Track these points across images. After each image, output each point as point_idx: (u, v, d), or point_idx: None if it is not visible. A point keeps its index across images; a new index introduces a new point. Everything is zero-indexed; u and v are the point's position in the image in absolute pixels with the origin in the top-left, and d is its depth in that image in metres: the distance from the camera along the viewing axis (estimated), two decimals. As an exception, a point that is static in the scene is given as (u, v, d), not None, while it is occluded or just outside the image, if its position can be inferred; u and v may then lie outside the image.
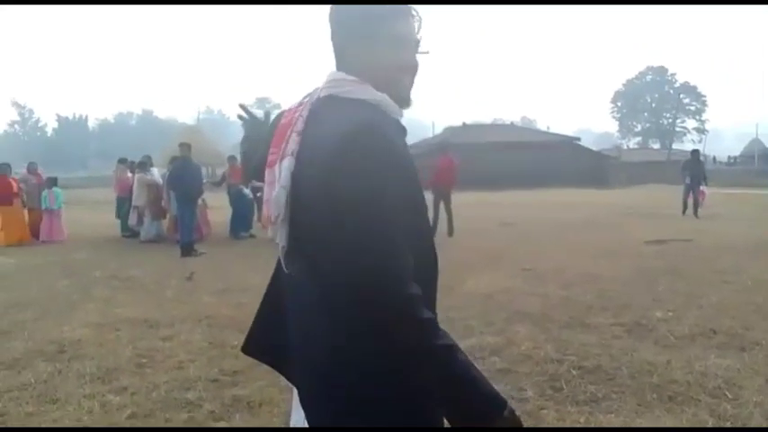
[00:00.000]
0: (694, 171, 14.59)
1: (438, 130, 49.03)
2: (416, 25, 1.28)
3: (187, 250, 9.48)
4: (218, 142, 45.63)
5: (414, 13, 1.28)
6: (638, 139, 79.37)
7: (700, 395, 3.44)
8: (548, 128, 51.63)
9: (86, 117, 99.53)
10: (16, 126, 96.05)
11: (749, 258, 8.07)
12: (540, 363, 4.04)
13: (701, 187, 14.56)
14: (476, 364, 1.15)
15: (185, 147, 10.29)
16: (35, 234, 12.09)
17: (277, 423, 3.15)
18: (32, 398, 3.59)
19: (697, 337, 4.54)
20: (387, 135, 1.15)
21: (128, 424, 3.20)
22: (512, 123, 52.78)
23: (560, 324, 4.96)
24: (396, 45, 1.24)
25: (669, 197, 19.87)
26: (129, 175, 13.04)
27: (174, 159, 11.96)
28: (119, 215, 13.05)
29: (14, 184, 12.04)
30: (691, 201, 14.50)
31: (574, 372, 3.85)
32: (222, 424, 3.19)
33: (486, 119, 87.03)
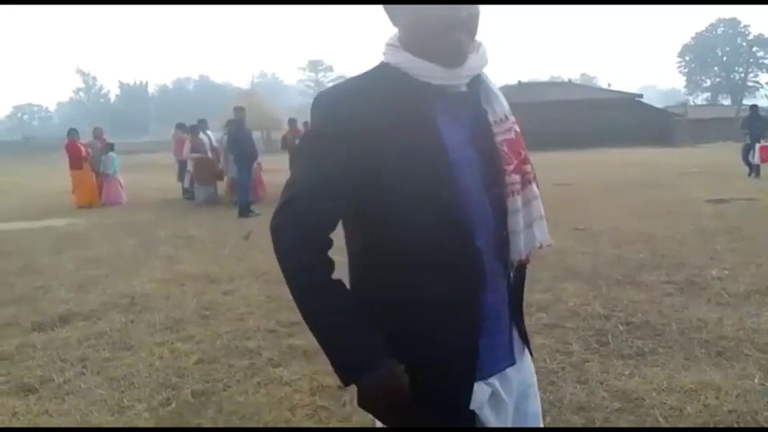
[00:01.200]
0: (754, 128, 13.76)
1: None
2: None
3: (244, 211, 9.84)
4: (273, 106, 46.33)
5: None
6: (707, 95, 75.27)
7: (750, 350, 3.41)
8: (609, 85, 49.43)
9: (146, 83, 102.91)
10: (81, 93, 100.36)
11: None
12: (586, 318, 4.08)
13: (763, 142, 13.66)
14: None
15: (240, 110, 10.59)
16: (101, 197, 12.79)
17: (331, 370, 3.34)
18: (108, 345, 3.93)
19: (752, 294, 4.45)
20: (331, 103, 1.16)
21: (195, 369, 3.47)
22: (570, 81, 50.97)
23: (610, 282, 4.95)
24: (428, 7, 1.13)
25: (736, 155, 18.89)
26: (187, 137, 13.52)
27: (229, 123, 12.32)
28: (180, 178, 13.59)
29: (83, 149, 12.72)
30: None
31: (621, 327, 3.87)
32: (280, 370, 3.42)
33: (543, 76, 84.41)
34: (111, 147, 13.13)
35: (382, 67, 1.20)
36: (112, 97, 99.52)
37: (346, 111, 1.12)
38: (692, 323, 3.88)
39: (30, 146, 48.54)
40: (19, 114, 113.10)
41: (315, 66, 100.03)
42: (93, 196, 12.56)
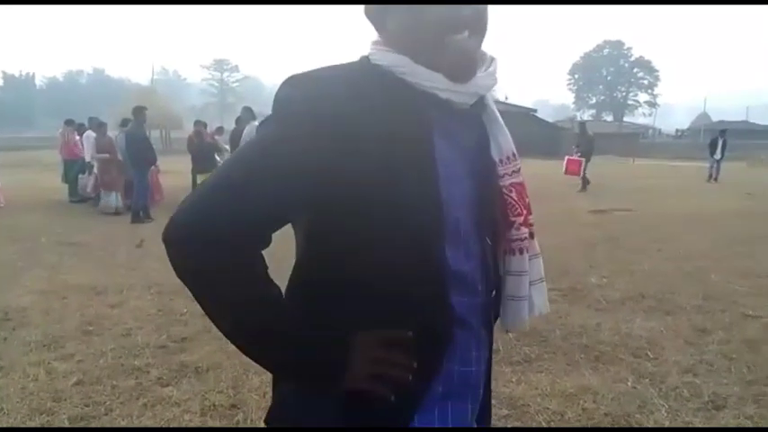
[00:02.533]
0: (581, 145, 15.07)
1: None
2: None
3: (138, 216, 9.35)
4: (174, 104, 44.45)
5: None
6: (593, 111, 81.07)
7: (624, 354, 3.71)
8: (506, 98, 51.99)
9: (33, 75, 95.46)
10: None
11: (684, 228, 8.51)
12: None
13: (575, 156, 14.97)
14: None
15: (140, 111, 9.98)
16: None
17: (223, 387, 3.25)
18: (-25, 365, 3.57)
19: (626, 301, 4.84)
20: (312, 85, 0.90)
21: (74, 391, 3.23)
22: (470, 92, 52.98)
23: (502, 290, 5.18)
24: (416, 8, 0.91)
25: (615, 167, 20.48)
26: (77, 137, 12.64)
27: (125, 122, 11.65)
28: (66, 179, 12.67)
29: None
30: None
31: (510, 335, 4.07)
32: (169, 389, 3.27)
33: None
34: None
35: (369, 66, 0.95)
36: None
37: (328, 100, 0.87)
38: (573, 329, 4.15)
39: None
40: None
41: (220, 65, 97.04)
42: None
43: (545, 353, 3.77)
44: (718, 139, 18.24)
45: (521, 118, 38.38)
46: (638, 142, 45.83)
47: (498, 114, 1.03)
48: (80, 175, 11.93)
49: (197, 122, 12.39)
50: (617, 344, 3.89)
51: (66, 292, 5.15)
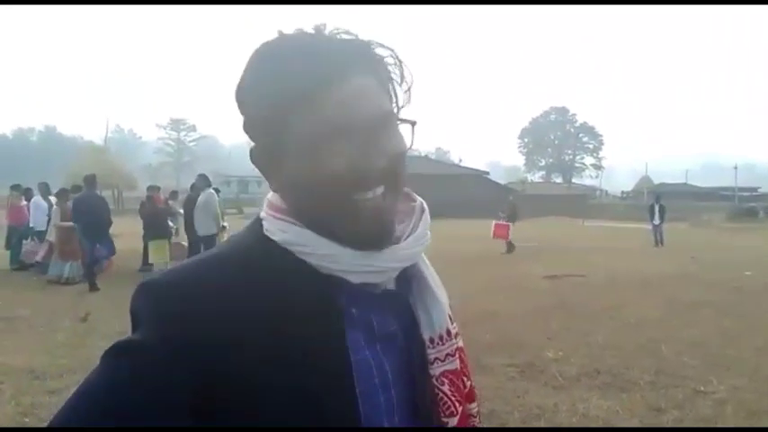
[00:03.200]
0: (506, 209, 16.20)
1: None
2: (366, 87, 0.70)
3: (93, 283, 9.07)
4: (128, 163, 43.80)
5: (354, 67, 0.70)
6: (543, 173, 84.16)
7: (581, 438, 3.70)
8: (460, 160, 53.79)
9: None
10: None
11: (634, 294, 8.74)
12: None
13: (501, 221, 16.04)
14: None
15: (90, 179, 9.75)
16: None
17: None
18: None
19: (582, 377, 4.87)
20: (164, 301, 0.67)
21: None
22: (426, 156, 54.43)
23: (460, 366, 5.15)
24: (310, 149, 0.69)
25: (566, 229, 21.12)
26: (24, 202, 12.22)
27: (76, 188, 11.40)
28: (8, 246, 12.15)
29: None
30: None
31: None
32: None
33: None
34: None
35: (261, 243, 0.73)
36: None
37: (191, 318, 0.66)
38: (531, 411, 4.13)
39: None
40: None
41: (177, 124, 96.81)
42: None
43: (504, 437, 3.73)
44: (654, 205, 18.77)
45: (474, 180, 39.57)
46: (587, 203, 47.69)
47: (432, 279, 0.83)
48: (24, 242, 11.45)
49: (150, 188, 12.21)
50: (574, 424, 3.88)
51: (3, 377, 4.83)
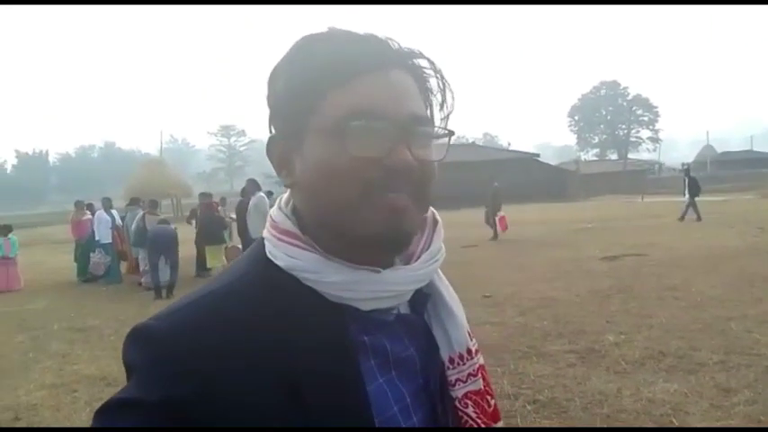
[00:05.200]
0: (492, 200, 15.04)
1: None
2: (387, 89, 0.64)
3: (159, 291, 9.52)
4: (183, 172, 45.32)
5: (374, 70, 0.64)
6: (597, 150, 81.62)
7: (647, 423, 3.58)
8: (508, 144, 52.86)
9: (47, 152, 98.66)
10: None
11: (698, 273, 8.37)
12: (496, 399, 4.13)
13: (500, 214, 14.90)
14: None
15: (153, 204, 10.37)
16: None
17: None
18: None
19: (647, 360, 4.71)
20: (159, 347, 0.61)
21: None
22: (473, 143, 53.77)
23: (517, 354, 5.08)
24: (335, 132, 0.63)
25: (624, 208, 20.45)
26: (87, 216, 12.84)
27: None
28: (77, 258, 12.79)
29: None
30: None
31: (528, 407, 3.96)
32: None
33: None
34: (8, 228, 12.14)
35: (262, 266, 0.68)
36: (9, 167, 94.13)
37: (188, 367, 0.59)
38: (594, 397, 4.03)
39: None
40: None
41: (227, 130, 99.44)
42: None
43: (565, 425, 3.65)
44: (685, 179, 17.28)
45: (524, 163, 38.75)
46: (646, 179, 45.94)
47: (448, 295, 0.78)
48: (90, 254, 12.02)
49: (202, 195, 12.46)
50: (639, 411, 3.76)
51: (77, 385, 5.10)
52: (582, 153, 79.69)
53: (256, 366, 0.60)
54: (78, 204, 13.40)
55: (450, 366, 0.75)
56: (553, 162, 51.00)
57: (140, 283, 10.65)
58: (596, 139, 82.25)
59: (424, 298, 0.75)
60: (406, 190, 0.64)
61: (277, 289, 0.65)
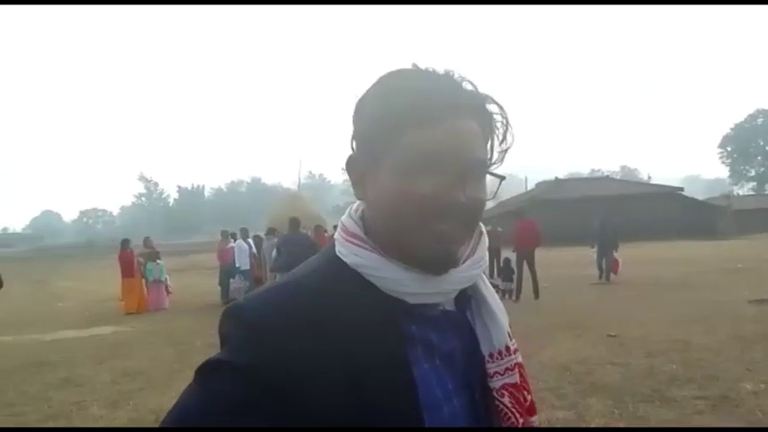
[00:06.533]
0: (603, 235, 13.74)
1: (531, 185, 47.94)
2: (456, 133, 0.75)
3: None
4: (318, 206, 47.71)
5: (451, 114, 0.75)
6: (753, 184, 73.75)
7: (780, 481, 3.25)
8: (649, 177, 49.48)
9: (203, 187, 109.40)
10: (143, 198, 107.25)
11: None
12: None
13: (614, 254, 13.70)
14: None
15: (294, 221, 10.96)
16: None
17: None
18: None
19: (789, 413, 4.25)
20: (251, 323, 0.74)
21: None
22: (608, 176, 51.14)
23: (638, 397, 4.80)
24: (407, 167, 0.75)
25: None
26: (232, 244, 14.08)
27: (270, 230, 12.95)
28: (221, 282, 14.04)
29: (135, 260, 13.38)
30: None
31: (645, 453, 3.75)
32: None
33: (584, 169, 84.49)
34: (156, 255, 13.75)
35: (335, 266, 0.81)
36: (171, 201, 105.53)
37: (270, 340, 0.72)
38: (720, 447, 3.72)
39: (92, 249, 51.79)
40: (84, 219, 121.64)
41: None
42: (140, 303, 13.07)
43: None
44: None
45: (666, 198, 36.06)
46: (811, 216, 40.59)
47: (491, 298, 0.89)
48: (231, 279, 13.14)
49: (317, 227, 13.56)
50: (773, 466, 3.42)
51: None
52: (736, 187, 72.41)
53: (323, 344, 0.72)
54: (224, 234, 14.81)
55: (490, 360, 0.85)
56: (701, 196, 46.85)
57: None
58: (752, 172, 74.38)
59: (467, 298, 0.87)
60: (456, 222, 0.76)
61: (343, 282, 0.78)
